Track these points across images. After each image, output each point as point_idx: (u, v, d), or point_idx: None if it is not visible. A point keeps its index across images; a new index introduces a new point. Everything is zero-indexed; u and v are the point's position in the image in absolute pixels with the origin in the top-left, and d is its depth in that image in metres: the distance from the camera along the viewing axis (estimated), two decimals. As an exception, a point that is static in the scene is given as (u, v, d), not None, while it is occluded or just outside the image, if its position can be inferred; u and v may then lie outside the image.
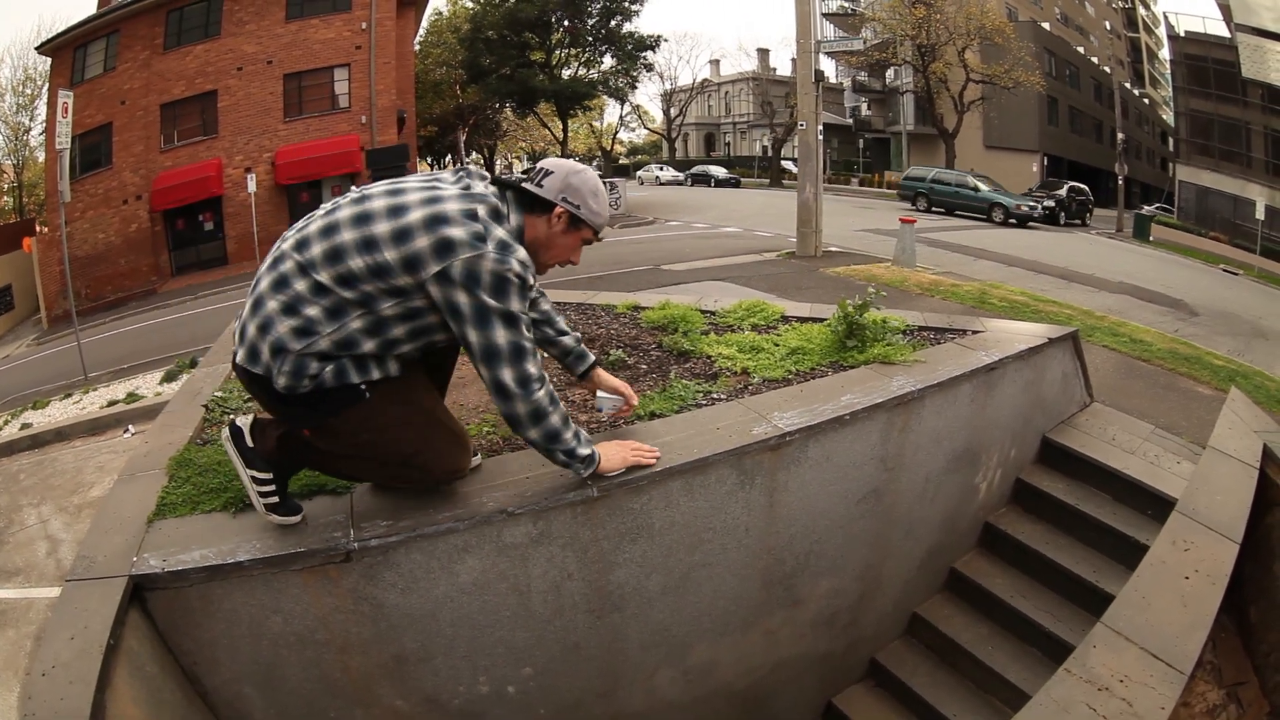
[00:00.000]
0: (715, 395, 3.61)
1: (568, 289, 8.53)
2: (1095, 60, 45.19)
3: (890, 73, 47.08)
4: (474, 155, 55.14)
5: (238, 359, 2.27)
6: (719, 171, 47.97)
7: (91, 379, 11.76)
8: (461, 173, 2.39)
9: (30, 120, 38.03)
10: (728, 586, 3.33)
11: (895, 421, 3.62)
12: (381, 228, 2.15)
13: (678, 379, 3.82)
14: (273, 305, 2.19)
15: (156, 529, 2.58)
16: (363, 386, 2.29)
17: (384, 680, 2.72)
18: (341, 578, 2.50)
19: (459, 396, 3.74)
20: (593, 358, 3.05)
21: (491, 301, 2.15)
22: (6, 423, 10.10)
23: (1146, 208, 33.35)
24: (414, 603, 2.63)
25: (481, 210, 2.20)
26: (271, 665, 2.56)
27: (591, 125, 61.83)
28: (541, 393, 2.31)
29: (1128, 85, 43.76)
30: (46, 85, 30.24)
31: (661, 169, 52.75)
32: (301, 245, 2.22)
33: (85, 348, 12.72)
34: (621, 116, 58.56)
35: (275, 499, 2.47)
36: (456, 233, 2.13)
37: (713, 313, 5.02)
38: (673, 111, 58.74)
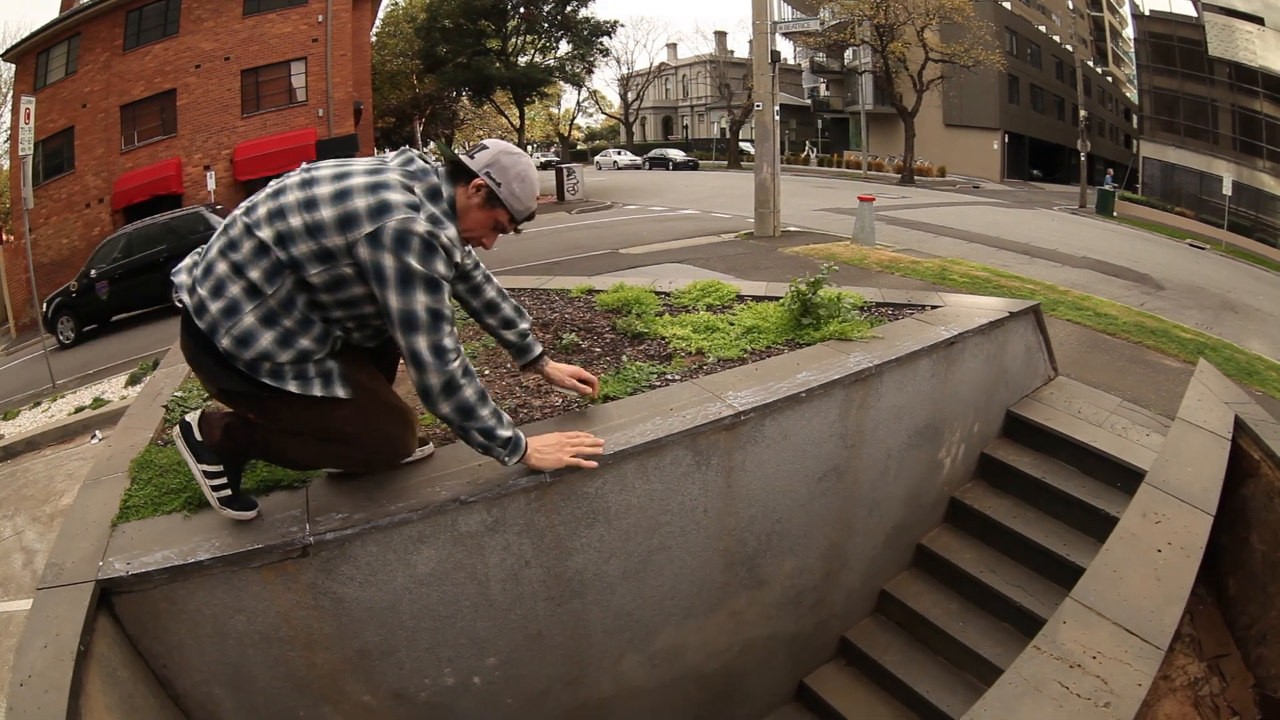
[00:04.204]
0: (669, 376, 3.60)
1: (523, 275, 8.44)
2: (1057, 39, 45.47)
3: (848, 53, 47.14)
4: (431, 144, 54.74)
5: (191, 310, 2.28)
6: (677, 154, 48.36)
7: (60, 386, 11.61)
8: (406, 149, 2.44)
9: (-5, 128, 37.23)
10: (689, 569, 3.34)
11: (853, 398, 3.63)
12: (324, 190, 2.23)
13: (631, 361, 3.81)
14: (223, 268, 2.24)
15: (120, 532, 2.57)
16: (306, 361, 2.33)
17: (350, 675, 2.72)
18: (299, 573, 2.50)
19: (408, 388, 3.72)
20: (539, 349, 3.04)
21: (417, 265, 2.19)
22: (-22, 435, 9.96)
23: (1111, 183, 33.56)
24: (373, 596, 2.63)
25: (418, 187, 2.29)
26: (238, 665, 2.55)
27: (549, 111, 61.42)
28: (456, 364, 2.31)
29: (1090, 63, 44.01)
30: (10, 92, 29.63)
31: (619, 153, 52.86)
32: (250, 209, 2.29)
33: (52, 355, 12.57)
34: (579, 102, 57.97)
35: (228, 492, 2.47)
36: (393, 197, 2.21)
37: (667, 294, 5.00)
38: (630, 96, 58.79)
